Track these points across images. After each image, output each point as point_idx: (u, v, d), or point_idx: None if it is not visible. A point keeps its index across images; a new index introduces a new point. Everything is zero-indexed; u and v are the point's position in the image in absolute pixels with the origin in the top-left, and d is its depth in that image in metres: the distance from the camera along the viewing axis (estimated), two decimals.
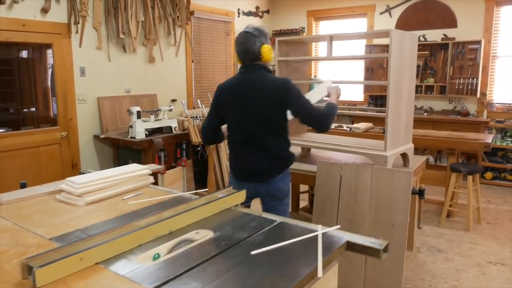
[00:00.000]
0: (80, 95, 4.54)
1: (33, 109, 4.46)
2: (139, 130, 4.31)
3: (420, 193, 2.64)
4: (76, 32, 4.43)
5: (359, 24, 6.51)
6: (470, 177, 3.94)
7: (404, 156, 2.97)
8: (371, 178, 2.63)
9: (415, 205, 3.11)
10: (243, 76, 2.25)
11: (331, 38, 2.82)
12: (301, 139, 3.19)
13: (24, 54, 4.42)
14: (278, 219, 1.75)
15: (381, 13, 6.19)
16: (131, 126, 4.37)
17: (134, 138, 4.33)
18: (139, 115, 4.35)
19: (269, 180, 2.28)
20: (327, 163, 2.80)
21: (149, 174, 2.30)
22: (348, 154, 3.01)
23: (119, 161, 4.81)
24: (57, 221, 1.76)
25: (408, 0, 6.00)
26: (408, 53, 2.74)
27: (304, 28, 6.88)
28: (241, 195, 1.97)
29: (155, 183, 4.31)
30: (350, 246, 1.54)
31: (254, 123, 2.20)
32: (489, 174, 5.55)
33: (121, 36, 4.75)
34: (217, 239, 1.54)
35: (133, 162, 4.59)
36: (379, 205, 2.59)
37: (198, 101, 5.45)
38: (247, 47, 2.20)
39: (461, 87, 5.70)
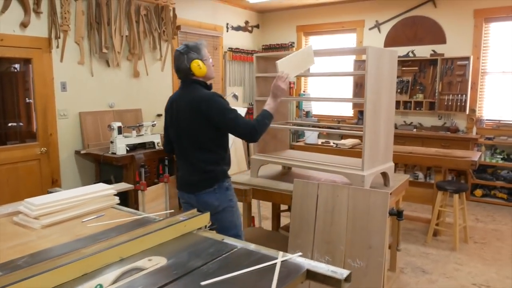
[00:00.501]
0: (61, 110, 4.48)
1: (15, 124, 4.39)
2: (120, 146, 4.25)
3: (399, 214, 2.57)
4: (57, 47, 4.39)
5: (349, 40, 6.51)
6: (456, 196, 3.87)
7: (384, 175, 2.90)
8: (348, 198, 2.56)
9: (397, 225, 3.03)
10: (180, 91, 2.34)
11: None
12: (280, 156, 3.12)
13: (4, 68, 4.36)
14: (239, 244, 1.67)
15: (370, 29, 6.20)
16: (112, 142, 4.30)
17: (115, 154, 4.26)
18: (120, 131, 4.28)
19: (197, 193, 2.32)
20: (303, 182, 2.73)
21: (122, 192, 2.22)
22: (329, 173, 2.93)
23: (100, 177, 4.72)
24: (7, 245, 1.68)
25: (397, 16, 6.01)
26: (386, 70, 2.69)
27: (293, 43, 6.87)
28: (204, 218, 1.89)
29: (135, 200, 4.25)
30: (311, 275, 1.46)
31: (184, 137, 2.27)
32: (478, 192, 5.48)
33: (104, 50, 4.72)
34: (169, 267, 1.46)
35: (115, 178, 4.54)
36: (356, 226, 2.51)
37: None
38: (177, 65, 2.29)
39: (450, 103, 5.67)
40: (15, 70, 4.36)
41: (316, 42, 6.83)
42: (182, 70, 2.28)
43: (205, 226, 1.91)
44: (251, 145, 4.37)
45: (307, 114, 6.33)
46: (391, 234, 3.07)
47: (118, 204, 2.28)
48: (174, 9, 5.50)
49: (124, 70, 5.05)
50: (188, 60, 2.25)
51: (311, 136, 4.80)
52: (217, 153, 2.30)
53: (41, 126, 4.38)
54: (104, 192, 2.24)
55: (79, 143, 4.65)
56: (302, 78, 6.98)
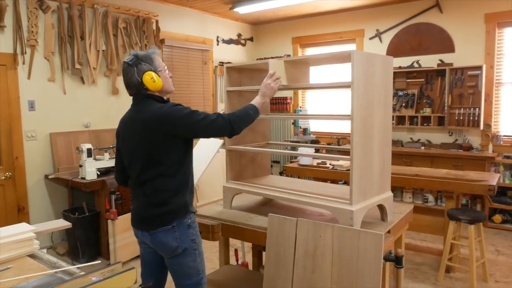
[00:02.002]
0: (28, 131, 4.10)
1: None
2: (90, 170, 3.84)
3: (397, 260, 2.05)
4: (24, 63, 4.02)
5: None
6: (471, 227, 3.31)
7: (381, 208, 2.40)
8: (332, 239, 2.06)
9: (396, 273, 2.50)
10: (132, 108, 2.04)
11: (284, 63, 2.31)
12: (257, 184, 2.64)
13: None
14: None
15: (370, 38, 5.79)
16: (80, 166, 3.90)
17: (84, 178, 3.84)
18: (90, 153, 3.87)
19: (151, 232, 1.98)
20: (279, 218, 2.25)
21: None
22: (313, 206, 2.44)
23: (73, 203, 4.31)
24: None
25: (399, 24, 5.56)
26: (379, 80, 2.24)
27: (290, 55, 6.46)
28: (129, 276, 1.42)
29: (106, 229, 3.80)
30: None
31: (139, 163, 1.98)
32: (497, 217, 4.88)
33: (77, 66, 4.35)
34: None
35: (87, 204, 4.12)
36: (343, 275, 2.00)
37: None
38: (127, 79, 2.00)
39: (461, 117, 5.14)
40: None
41: (313, 54, 6.38)
42: (133, 85, 1.97)
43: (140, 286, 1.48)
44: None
45: (305, 131, 5.91)
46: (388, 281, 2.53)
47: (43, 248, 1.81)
48: (157, 21, 5.15)
49: (101, 87, 4.67)
50: (139, 73, 1.96)
51: (305, 157, 4.31)
52: (178, 179, 1.98)
53: (5, 149, 3.98)
54: (20, 236, 1.77)
55: (50, 166, 4.26)
56: (300, 93, 6.56)
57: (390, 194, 2.44)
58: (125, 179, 2.17)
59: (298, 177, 5.67)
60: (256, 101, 2.16)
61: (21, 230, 1.82)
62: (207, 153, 3.03)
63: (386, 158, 2.39)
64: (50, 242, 4.24)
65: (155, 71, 1.97)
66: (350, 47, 6.08)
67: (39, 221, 4.08)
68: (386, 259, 2.08)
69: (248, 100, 2.78)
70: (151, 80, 1.94)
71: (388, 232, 2.33)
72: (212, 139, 3.13)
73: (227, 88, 2.68)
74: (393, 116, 5.52)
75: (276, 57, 6.55)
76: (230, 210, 2.68)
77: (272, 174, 6.68)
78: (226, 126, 1.96)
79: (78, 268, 1.65)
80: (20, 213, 4.07)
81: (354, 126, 2.06)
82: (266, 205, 2.79)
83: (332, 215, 2.34)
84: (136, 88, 1.97)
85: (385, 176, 2.39)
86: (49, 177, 4.13)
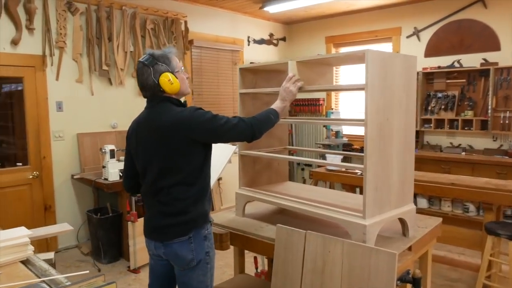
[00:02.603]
0: (56, 131, 4.18)
1: (6, 146, 4.12)
2: (112, 171, 3.85)
3: (415, 282, 1.84)
4: (52, 65, 4.10)
5: (384, 50, 5.76)
6: (511, 243, 3.00)
7: (402, 222, 2.20)
8: (342, 256, 1.89)
9: None
10: (147, 112, 1.96)
11: (294, 64, 2.17)
12: (270, 192, 2.51)
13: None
14: None
15: (408, 37, 5.51)
16: (104, 167, 3.92)
17: (107, 179, 3.85)
18: (113, 154, 3.89)
19: (166, 242, 1.89)
20: (287, 230, 2.11)
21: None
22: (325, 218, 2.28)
23: (99, 203, 4.35)
24: None
25: (439, 21, 5.23)
26: (399, 83, 2.07)
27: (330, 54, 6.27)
28: None
29: (127, 231, 3.79)
30: None
31: (155, 169, 1.89)
32: None
33: (105, 67, 4.38)
34: None
35: (111, 205, 4.14)
36: None
37: None
38: (142, 80, 1.91)
39: (507, 121, 4.74)
40: (8, 90, 4.10)
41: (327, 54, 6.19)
42: (149, 87, 1.90)
43: None
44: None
45: (337, 134, 5.70)
46: None
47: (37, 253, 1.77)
48: (186, 22, 5.13)
49: (129, 88, 4.70)
50: (155, 74, 1.88)
51: (333, 160, 4.15)
52: (198, 186, 1.91)
53: (32, 149, 4.07)
54: (14, 241, 1.74)
55: (76, 166, 4.32)
56: (333, 95, 6.36)
57: (412, 206, 2.24)
58: (134, 186, 2.10)
59: (329, 183, 5.51)
60: (276, 105, 2.10)
61: (17, 234, 1.79)
62: (219, 160, 2.93)
63: (408, 166, 2.20)
64: (76, 241, 4.30)
65: (172, 72, 1.89)
66: (386, 46, 5.81)
67: (65, 220, 4.15)
68: (402, 280, 1.88)
69: (262, 103, 2.71)
70: (168, 82, 1.87)
71: (409, 249, 2.13)
72: (224, 145, 3.03)
73: (241, 90, 2.58)
74: (431, 119, 5.21)
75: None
76: (241, 218, 2.58)
77: (295, 179, 6.64)
78: (248, 130, 1.90)
79: (66, 277, 1.59)
80: (47, 212, 4.15)
81: (368, 132, 1.89)
82: (281, 214, 2.65)
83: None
84: (152, 90, 1.90)
85: (406, 187, 2.20)
86: (75, 177, 4.18)
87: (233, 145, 3.07)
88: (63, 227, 2.04)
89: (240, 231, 2.37)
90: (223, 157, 2.96)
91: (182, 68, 1.99)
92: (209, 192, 1.98)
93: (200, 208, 1.91)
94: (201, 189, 1.91)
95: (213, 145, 2.02)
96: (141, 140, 1.94)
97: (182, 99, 1.99)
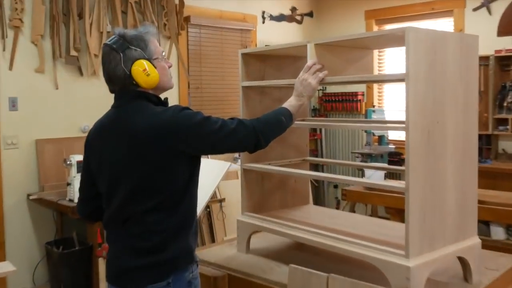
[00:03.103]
0: (8, 137, 4.26)
1: None
2: None
3: None
4: (4, 50, 4.16)
5: (442, 27, 5.87)
6: None
7: (462, 261, 2.17)
8: None
9: None
10: (114, 112, 1.93)
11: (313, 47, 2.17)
12: (283, 220, 2.49)
13: None
14: None
15: (474, 10, 5.46)
16: (68, 184, 3.92)
17: (72, 201, 3.88)
18: (81, 168, 3.84)
19: None
20: (303, 272, 2.09)
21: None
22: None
23: (62, 233, 4.36)
24: None
25: None
26: (454, 72, 2.07)
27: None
28: None
29: (97, 270, 3.78)
30: None
31: (124, 189, 1.86)
32: None
33: (74, 53, 4.43)
34: None
35: (78, 235, 4.15)
36: None
37: None
38: (108, 70, 1.88)
39: None
40: None
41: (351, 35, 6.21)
42: (118, 79, 1.87)
43: None
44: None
45: (381, 140, 5.66)
46: None
47: None
48: None
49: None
50: (126, 62, 1.85)
51: (374, 176, 4.11)
52: (181, 214, 1.89)
53: None
54: None
55: (34, 183, 4.36)
56: (375, 87, 6.34)
57: (475, 241, 2.24)
58: (94, 212, 2.06)
59: (369, 207, 5.43)
60: (290, 103, 2.10)
61: None
62: (209, 178, 2.92)
63: (468, 185, 2.20)
64: (32, 283, 4.32)
65: (149, 60, 1.86)
66: (446, 22, 5.75)
67: (18, 255, 4.16)
68: None
69: (273, 100, 2.73)
70: (143, 72, 1.84)
71: None
72: (215, 160, 3.02)
73: (243, 82, 2.61)
74: (507, 120, 5.09)
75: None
76: (245, 255, 2.59)
77: (325, 201, 6.58)
78: (249, 137, 1.89)
79: None
80: None
81: (411, 139, 1.90)
82: (298, 249, 2.68)
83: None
84: (121, 83, 1.87)
85: (468, 213, 2.19)
86: (31, 197, 4.20)
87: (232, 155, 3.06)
88: (4, 267, 2.02)
89: (242, 273, 2.38)
90: (213, 176, 2.95)
91: (164, 54, 1.97)
92: (195, 221, 1.95)
93: (183, 243, 1.87)
94: (184, 217, 1.88)
95: (202, 159, 2.00)
96: (105, 151, 1.91)
97: (163, 96, 1.97)
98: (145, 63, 1.84)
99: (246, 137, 1.87)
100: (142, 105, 1.86)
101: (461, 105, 2.08)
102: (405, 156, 1.90)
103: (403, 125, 1.89)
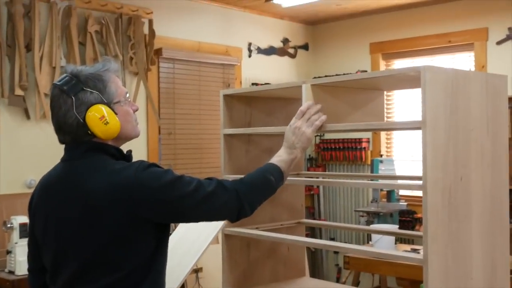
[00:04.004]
0: None
1: None
2: (22, 260, 3.81)
3: None
4: None
5: (461, 63, 6.04)
6: None
7: None
8: None
9: None
10: (62, 167, 1.96)
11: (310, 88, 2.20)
12: None
13: None
14: None
15: (498, 43, 5.62)
16: (8, 252, 3.90)
17: (13, 273, 3.85)
18: (24, 232, 3.85)
19: None
20: None
21: None
22: None
23: None
24: None
25: None
26: (479, 118, 2.14)
27: (365, 71, 6.37)
28: None
29: None
30: None
31: (73, 264, 1.86)
32: None
33: (19, 92, 4.42)
34: None
35: None
36: None
37: None
38: (58, 117, 1.89)
39: None
40: None
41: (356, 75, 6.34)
42: (68, 126, 1.87)
43: None
44: None
45: (390, 195, 5.73)
46: None
47: None
48: (151, 21, 5.25)
49: None
50: (79, 107, 1.86)
51: (380, 241, 4.09)
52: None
53: None
54: None
55: None
56: (383, 134, 6.42)
57: None
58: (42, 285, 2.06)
59: (377, 277, 5.39)
60: (279, 158, 2.11)
61: None
62: (194, 245, 2.92)
63: (498, 254, 2.24)
64: None
65: (108, 104, 1.88)
66: (465, 57, 5.91)
67: None
68: None
69: (261, 151, 2.79)
70: (100, 120, 1.84)
71: None
72: None
73: (225, 130, 2.64)
74: None
75: (338, 75, 6.46)
76: None
77: (324, 270, 6.51)
78: (231, 203, 1.90)
79: None
80: None
81: (429, 202, 1.93)
82: None
83: None
84: (73, 133, 1.87)
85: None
86: None
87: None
88: None
89: None
90: (199, 241, 2.94)
91: (128, 95, 1.99)
92: None
93: None
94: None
95: None
96: (51, 216, 1.91)
97: (126, 147, 1.97)
98: (103, 108, 1.85)
99: (227, 203, 1.87)
100: (98, 159, 1.87)
101: (488, 157, 2.13)
102: (423, 221, 1.92)
103: (420, 183, 1.92)
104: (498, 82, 2.16)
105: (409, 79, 2.08)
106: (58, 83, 1.88)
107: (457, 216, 2.01)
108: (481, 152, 2.10)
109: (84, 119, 1.82)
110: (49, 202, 1.91)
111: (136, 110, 2.01)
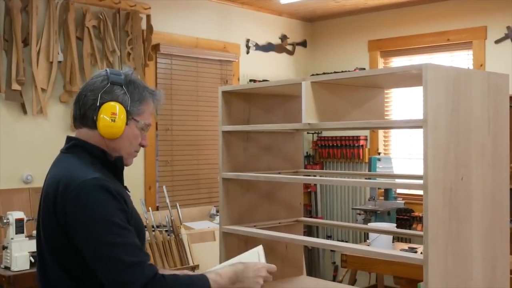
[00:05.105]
0: None
1: None
2: (18, 256, 3.80)
3: None
4: None
5: (460, 61, 6.03)
6: None
7: None
8: None
9: None
10: (57, 159, 2.07)
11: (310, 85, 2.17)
12: None
13: None
14: None
15: (497, 42, 5.62)
16: (4, 248, 3.88)
17: (8, 268, 3.82)
18: (21, 227, 3.85)
19: None
20: None
21: None
22: None
23: None
24: None
25: None
26: (480, 117, 2.14)
27: (364, 69, 6.40)
28: None
29: None
30: None
31: (38, 254, 2.02)
32: None
33: (16, 87, 4.40)
34: None
35: None
36: None
37: (164, 188, 5.08)
38: (85, 88, 1.96)
39: None
40: None
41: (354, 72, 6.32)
42: (85, 102, 1.94)
43: None
44: None
45: (387, 193, 5.74)
46: None
47: None
48: (149, 17, 5.23)
49: (54, 120, 4.75)
50: (105, 94, 1.92)
51: (378, 239, 4.09)
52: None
53: None
54: None
55: None
56: (381, 132, 6.41)
57: None
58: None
59: (374, 276, 5.38)
60: (214, 280, 1.93)
61: None
62: None
63: (498, 255, 2.25)
64: None
65: (128, 113, 1.93)
66: (463, 56, 5.91)
67: None
68: None
69: (260, 149, 2.81)
70: (110, 115, 1.88)
71: None
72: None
73: (224, 126, 2.63)
74: None
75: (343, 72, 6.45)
76: None
77: (320, 269, 6.51)
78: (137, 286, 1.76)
79: None
80: None
81: (430, 201, 1.92)
82: None
83: None
84: (83, 110, 1.93)
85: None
86: None
87: None
88: None
89: None
90: None
91: (149, 126, 2.01)
92: None
93: None
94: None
95: None
96: (41, 205, 2.00)
97: (113, 155, 2.01)
98: (119, 108, 1.89)
99: (134, 284, 1.74)
100: (75, 155, 1.94)
101: (488, 157, 2.13)
102: (424, 220, 1.92)
103: (420, 182, 1.91)
104: (499, 81, 2.16)
105: (410, 77, 2.07)
106: (110, 69, 1.98)
107: (458, 216, 2.01)
108: (481, 151, 2.10)
109: (100, 105, 1.88)
110: (43, 190, 1.98)
111: (143, 146, 2.04)
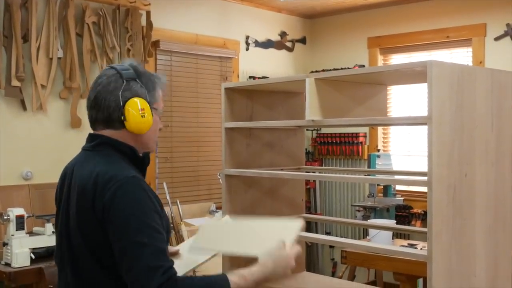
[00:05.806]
0: None
1: None
2: (19, 252, 3.81)
3: None
4: None
5: (459, 57, 6.03)
6: None
7: None
8: None
9: None
10: (78, 155, 2.06)
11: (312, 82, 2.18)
12: None
13: None
14: None
15: (496, 39, 5.61)
16: (5, 244, 3.87)
17: (9, 265, 3.83)
18: (21, 224, 3.86)
19: None
20: None
21: None
22: None
23: None
24: None
25: None
26: (485, 113, 2.13)
27: (363, 66, 6.44)
28: None
29: None
30: None
31: (65, 249, 1.98)
32: None
33: (15, 83, 4.40)
34: None
35: None
36: None
37: (165, 185, 5.07)
38: (100, 92, 1.94)
39: None
40: None
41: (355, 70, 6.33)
42: (106, 105, 1.95)
43: None
44: None
45: (386, 190, 5.74)
46: None
47: None
48: (148, 13, 5.21)
49: (54, 116, 4.74)
50: (125, 91, 1.94)
51: (378, 236, 4.09)
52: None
53: None
54: None
55: None
56: (380, 129, 6.42)
57: None
58: None
59: (373, 272, 5.39)
60: (245, 279, 1.88)
61: None
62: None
63: (502, 252, 2.24)
64: None
65: (150, 104, 1.96)
66: (462, 53, 5.90)
67: None
68: None
69: (263, 145, 2.79)
70: (139, 112, 1.91)
71: None
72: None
73: (227, 123, 2.63)
74: None
75: (342, 69, 6.44)
76: None
77: (319, 265, 6.52)
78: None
79: None
80: None
81: (434, 198, 1.91)
82: None
83: None
84: (107, 113, 1.94)
85: (500, 286, 2.22)
86: None
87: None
88: None
89: None
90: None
91: (162, 110, 2.06)
92: None
93: None
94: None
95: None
96: (66, 198, 1.99)
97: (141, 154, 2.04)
98: (145, 103, 1.93)
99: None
100: (109, 155, 1.93)
101: (492, 154, 2.13)
102: (428, 217, 1.92)
103: (424, 179, 1.91)
104: (503, 79, 2.15)
105: (414, 74, 2.07)
106: (116, 66, 1.98)
107: (461, 213, 2.00)
108: (485, 149, 2.09)
109: (124, 104, 1.89)
110: (66, 186, 1.99)
111: (160, 128, 2.09)
